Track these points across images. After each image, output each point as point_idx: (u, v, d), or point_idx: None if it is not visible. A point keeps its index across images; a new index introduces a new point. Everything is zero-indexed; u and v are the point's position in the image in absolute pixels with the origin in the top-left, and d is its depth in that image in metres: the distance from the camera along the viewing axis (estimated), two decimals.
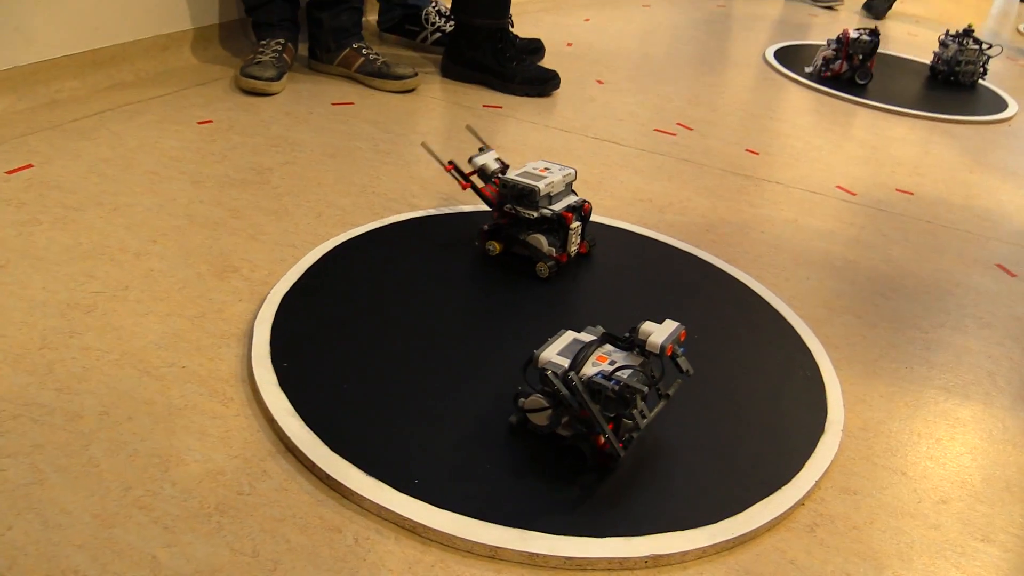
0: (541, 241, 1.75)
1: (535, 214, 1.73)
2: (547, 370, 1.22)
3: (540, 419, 1.26)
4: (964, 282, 2.06)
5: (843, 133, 3.06)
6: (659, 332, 1.26)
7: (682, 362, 1.28)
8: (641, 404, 1.24)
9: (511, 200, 1.75)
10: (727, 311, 1.76)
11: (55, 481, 1.17)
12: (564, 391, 1.20)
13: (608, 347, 1.27)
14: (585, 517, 1.19)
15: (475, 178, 1.91)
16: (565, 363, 1.24)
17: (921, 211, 2.46)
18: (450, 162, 1.87)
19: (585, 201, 1.80)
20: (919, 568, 1.22)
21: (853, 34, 3.58)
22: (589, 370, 1.22)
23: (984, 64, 3.80)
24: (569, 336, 1.31)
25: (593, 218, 2.09)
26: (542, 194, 1.72)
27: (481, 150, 1.89)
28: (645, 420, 1.26)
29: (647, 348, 1.25)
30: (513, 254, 1.81)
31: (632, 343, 1.26)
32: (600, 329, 1.32)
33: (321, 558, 1.10)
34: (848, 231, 2.26)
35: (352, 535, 1.14)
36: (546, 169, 1.80)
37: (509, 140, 2.56)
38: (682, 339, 1.29)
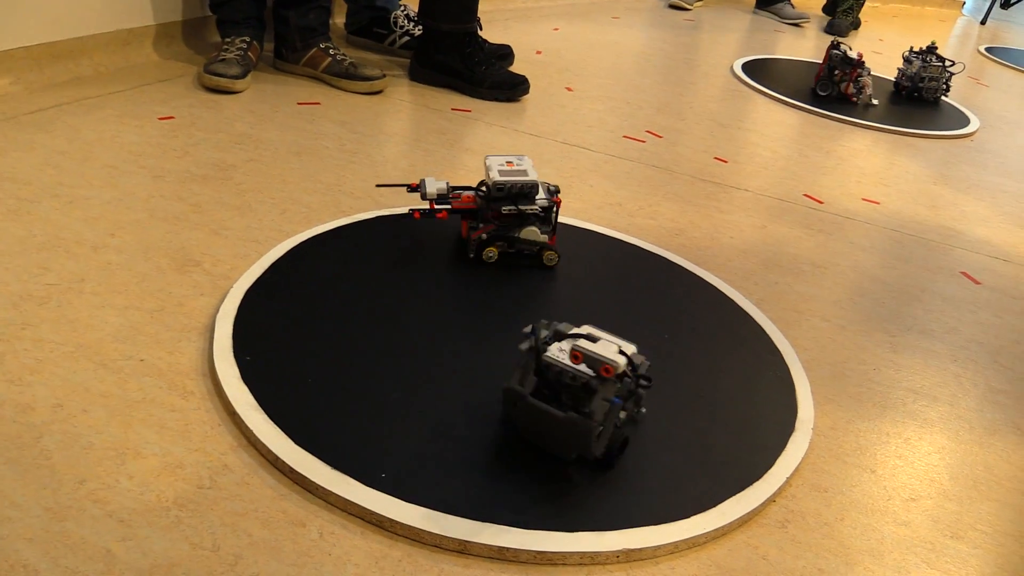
0: (536, 232, 1.76)
1: (537, 207, 1.74)
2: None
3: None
4: (930, 288, 2.09)
5: (810, 144, 3.11)
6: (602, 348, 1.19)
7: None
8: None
9: (510, 200, 1.74)
10: (698, 312, 1.77)
11: (4, 473, 1.14)
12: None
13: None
14: (556, 511, 1.18)
15: (441, 205, 1.83)
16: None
17: (887, 220, 2.50)
18: (413, 210, 1.74)
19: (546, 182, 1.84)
20: (890, 564, 1.22)
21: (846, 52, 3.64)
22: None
23: (947, 81, 3.90)
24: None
25: (562, 219, 2.10)
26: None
27: (416, 187, 1.77)
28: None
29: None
30: (507, 254, 1.81)
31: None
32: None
33: (284, 552, 1.08)
34: (816, 238, 2.29)
35: (317, 529, 1.12)
36: (512, 163, 1.80)
37: (478, 143, 2.56)
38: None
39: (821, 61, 3.76)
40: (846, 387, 1.63)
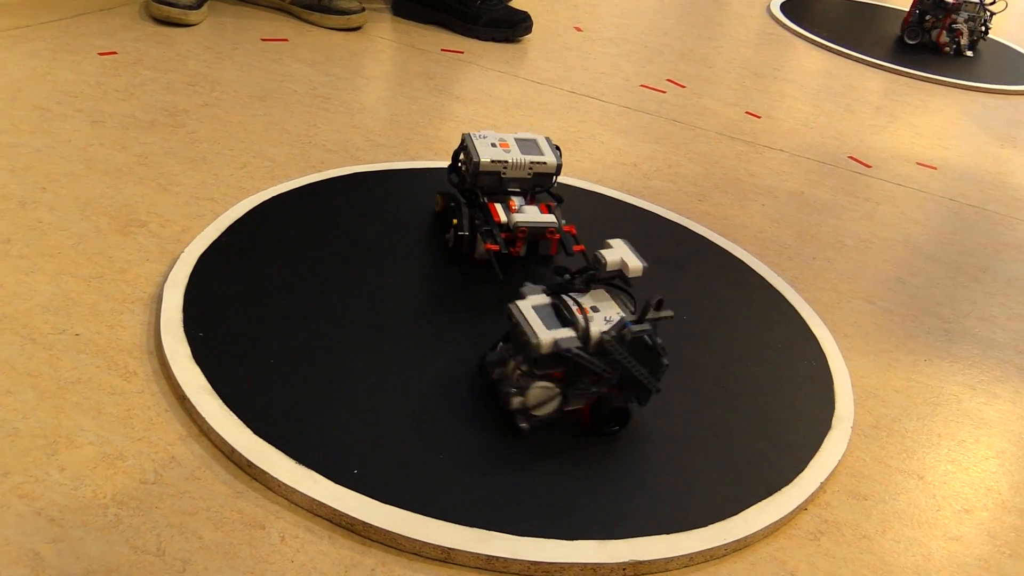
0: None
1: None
2: (569, 351, 1.23)
3: (550, 408, 1.29)
4: (992, 268, 2.10)
5: (857, 98, 3.10)
6: (616, 252, 1.34)
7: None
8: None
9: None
10: (722, 291, 1.77)
11: None
12: (597, 363, 1.25)
13: (573, 296, 1.32)
14: (554, 517, 1.19)
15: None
16: (567, 334, 1.26)
17: (945, 188, 2.50)
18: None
19: None
20: None
21: None
22: (599, 327, 1.26)
23: (985, 22, 3.83)
24: (525, 307, 1.30)
25: (567, 181, 2.09)
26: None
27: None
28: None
29: (608, 268, 1.32)
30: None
31: (588, 280, 1.32)
32: (539, 287, 1.34)
33: (240, 558, 1.09)
34: (861, 207, 2.28)
35: (278, 532, 1.13)
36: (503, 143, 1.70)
37: (471, 91, 2.55)
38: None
39: (910, 6, 3.73)
40: (892, 380, 1.64)
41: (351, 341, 1.44)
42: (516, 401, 1.28)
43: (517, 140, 1.71)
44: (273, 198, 1.80)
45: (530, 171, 1.68)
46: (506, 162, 1.65)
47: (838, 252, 2.04)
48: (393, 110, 2.34)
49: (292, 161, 1.99)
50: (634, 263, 1.32)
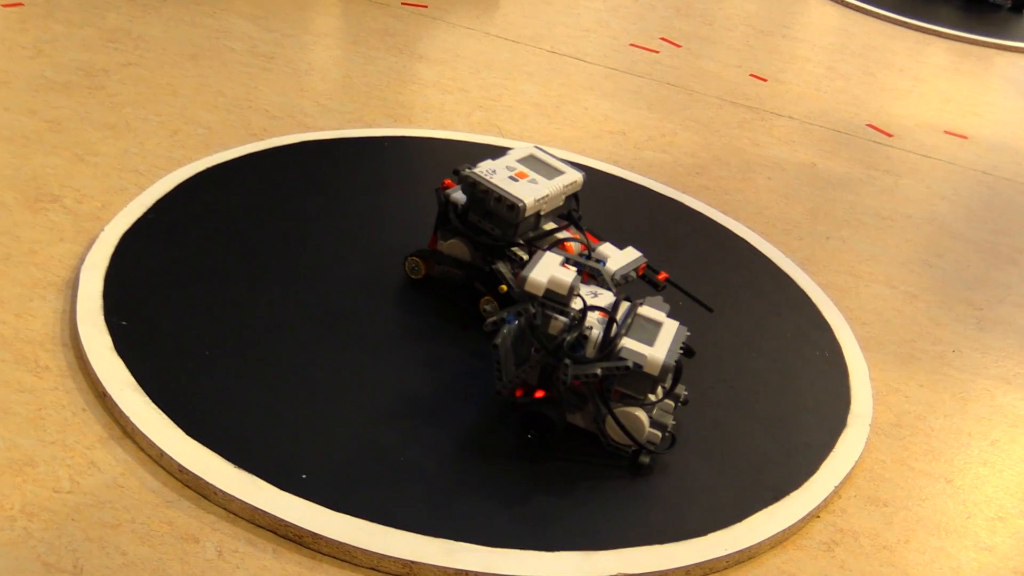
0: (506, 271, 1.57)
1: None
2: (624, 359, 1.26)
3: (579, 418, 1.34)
4: None
5: (878, 59, 3.13)
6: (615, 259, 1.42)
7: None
8: None
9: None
10: (723, 275, 1.78)
11: None
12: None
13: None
14: (533, 526, 1.19)
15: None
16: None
17: (976, 159, 2.53)
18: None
19: None
20: None
21: None
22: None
23: None
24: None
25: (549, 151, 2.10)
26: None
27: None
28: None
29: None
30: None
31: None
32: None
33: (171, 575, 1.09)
34: (882, 180, 2.31)
35: (214, 546, 1.13)
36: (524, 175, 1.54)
37: (437, 52, 2.55)
38: (640, 273, 1.48)
39: None
40: (916, 373, 1.66)
41: (297, 331, 1.44)
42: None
43: (523, 163, 1.57)
44: (207, 170, 1.80)
45: (563, 197, 1.58)
46: (546, 195, 1.51)
47: (855, 231, 2.06)
48: (346, 71, 2.34)
49: (229, 128, 1.98)
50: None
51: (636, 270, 1.52)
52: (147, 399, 1.27)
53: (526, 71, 2.54)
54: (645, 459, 1.31)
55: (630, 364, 1.25)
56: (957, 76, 3.11)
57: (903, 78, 3.00)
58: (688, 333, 1.33)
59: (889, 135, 2.57)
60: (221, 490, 1.17)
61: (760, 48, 3.05)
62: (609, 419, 1.29)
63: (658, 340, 1.29)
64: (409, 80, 2.35)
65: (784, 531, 1.27)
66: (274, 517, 1.15)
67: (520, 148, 1.59)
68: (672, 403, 1.35)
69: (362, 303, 1.53)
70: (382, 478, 1.22)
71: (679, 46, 2.93)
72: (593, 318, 1.31)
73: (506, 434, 1.33)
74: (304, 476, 1.20)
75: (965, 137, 2.65)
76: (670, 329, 1.32)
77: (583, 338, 1.28)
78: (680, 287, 1.59)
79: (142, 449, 1.23)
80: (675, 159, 2.21)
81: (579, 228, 1.57)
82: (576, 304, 1.31)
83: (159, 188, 1.71)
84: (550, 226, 1.55)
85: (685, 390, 1.37)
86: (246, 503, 1.16)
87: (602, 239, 1.57)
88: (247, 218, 1.68)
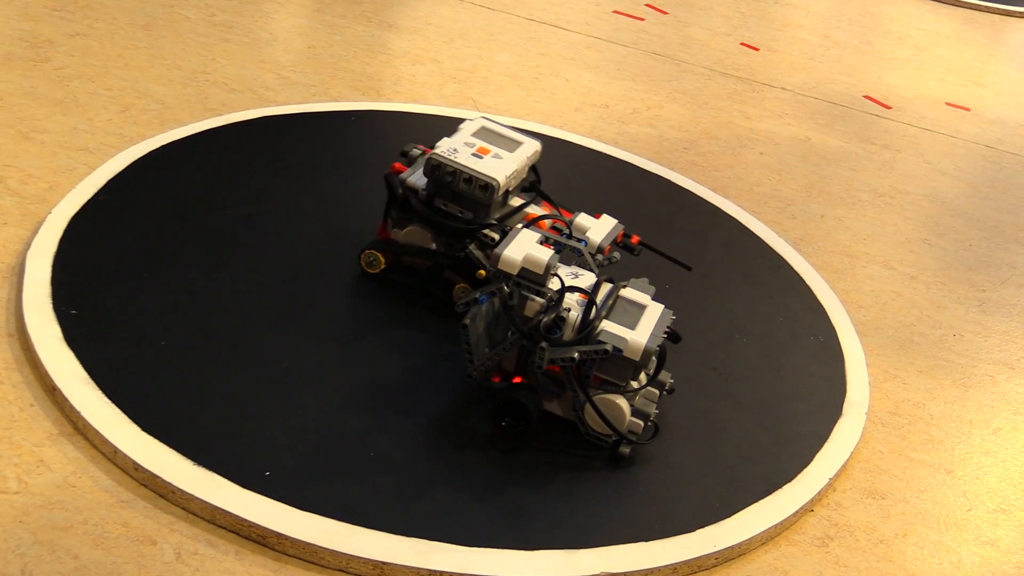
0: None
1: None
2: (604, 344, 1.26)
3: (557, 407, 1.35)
4: None
5: (876, 26, 3.14)
6: (596, 230, 1.44)
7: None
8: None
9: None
10: (712, 255, 1.79)
11: None
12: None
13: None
14: (511, 523, 1.20)
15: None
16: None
17: (980, 132, 2.54)
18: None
19: None
20: None
21: None
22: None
23: None
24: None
25: (528, 127, 2.10)
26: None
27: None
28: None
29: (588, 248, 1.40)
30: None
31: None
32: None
33: None
34: (879, 155, 2.32)
35: (172, 548, 1.13)
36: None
37: (407, 20, 2.55)
38: (619, 240, 1.50)
39: None
40: (915, 359, 1.67)
41: (259, 319, 1.44)
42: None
43: (480, 137, 1.55)
44: (162, 148, 1.79)
45: (526, 169, 1.57)
46: (515, 170, 1.51)
47: (851, 209, 2.07)
48: (310, 41, 2.33)
49: (185, 103, 1.98)
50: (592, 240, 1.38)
51: (616, 238, 1.53)
52: (99, 393, 1.26)
53: (503, 40, 2.53)
54: (625, 450, 1.32)
55: (609, 348, 1.26)
56: (960, 44, 3.13)
57: (902, 47, 3.02)
58: (673, 317, 1.34)
59: (887, 107, 2.58)
60: (179, 489, 1.16)
61: (751, 15, 3.05)
62: (588, 407, 1.30)
63: (641, 324, 1.29)
64: (378, 50, 2.35)
65: (776, 526, 1.28)
66: (236, 517, 1.15)
67: (470, 121, 1.58)
68: (656, 391, 1.35)
69: (328, 288, 1.53)
70: (350, 474, 1.22)
71: (666, 13, 2.94)
72: (573, 300, 1.31)
73: (481, 424, 1.34)
74: (267, 473, 1.20)
75: (968, 109, 2.67)
76: (654, 312, 1.33)
77: (560, 320, 1.29)
78: (653, 248, 1.59)
79: (95, 446, 1.22)
80: (661, 133, 2.22)
81: (549, 200, 1.58)
82: (554, 284, 1.31)
83: (110, 168, 1.71)
84: (517, 201, 1.55)
85: (671, 378, 1.38)
86: (206, 502, 1.16)
87: (573, 210, 1.57)
88: (205, 199, 1.67)
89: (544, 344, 1.27)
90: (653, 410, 1.33)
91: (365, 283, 1.55)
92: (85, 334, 1.35)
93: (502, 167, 1.47)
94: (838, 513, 1.34)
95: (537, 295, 1.30)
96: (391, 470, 1.24)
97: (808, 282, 1.77)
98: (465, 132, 1.54)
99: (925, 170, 2.29)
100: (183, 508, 1.17)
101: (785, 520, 1.29)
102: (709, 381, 1.49)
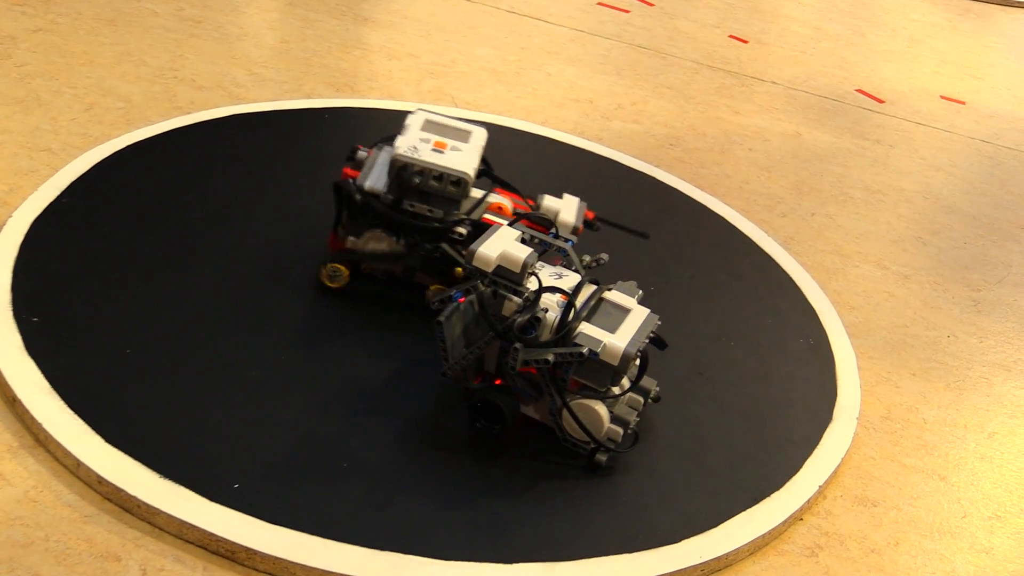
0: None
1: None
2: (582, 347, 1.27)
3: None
4: None
5: (869, 17, 3.15)
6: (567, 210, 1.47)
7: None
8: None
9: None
10: (699, 255, 1.79)
11: None
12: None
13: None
14: (490, 536, 1.20)
15: None
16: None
17: (975, 127, 2.55)
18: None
19: None
20: None
21: None
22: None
23: None
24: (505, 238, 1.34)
25: (508, 123, 2.10)
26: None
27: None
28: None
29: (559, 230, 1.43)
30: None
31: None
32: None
33: None
34: (872, 151, 2.32)
35: (138, 564, 1.13)
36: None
37: (383, 13, 2.55)
38: (590, 218, 1.54)
39: None
40: (908, 361, 1.67)
41: (228, 325, 1.44)
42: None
43: (431, 131, 1.54)
44: (128, 148, 1.78)
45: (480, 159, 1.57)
46: (477, 161, 1.50)
47: (843, 206, 2.08)
48: (283, 36, 2.32)
49: (152, 101, 1.97)
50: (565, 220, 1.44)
51: (585, 216, 1.56)
52: (62, 403, 1.26)
53: (482, 33, 2.54)
54: (602, 458, 1.32)
55: (585, 351, 1.26)
56: (955, 36, 3.14)
57: (896, 38, 3.03)
58: (659, 322, 1.34)
59: (880, 101, 2.59)
60: (145, 502, 1.16)
61: (740, 6, 3.06)
62: (565, 412, 1.30)
63: (622, 327, 1.30)
64: (352, 45, 2.34)
65: (764, 536, 1.28)
66: (204, 531, 1.14)
67: (412, 115, 1.56)
68: (640, 398, 1.36)
69: (299, 293, 1.52)
70: (323, 485, 1.22)
71: (652, 4, 2.94)
72: (553, 300, 1.31)
73: (458, 431, 1.34)
74: (236, 485, 1.20)
75: (963, 103, 2.68)
76: (638, 316, 1.33)
77: (535, 320, 1.29)
78: (608, 220, 1.59)
79: (57, 459, 1.22)
80: (647, 129, 2.22)
81: (504, 186, 1.59)
82: (532, 284, 1.31)
83: (74, 169, 1.70)
84: (478, 193, 1.55)
85: (657, 386, 1.38)
86: (173, 516, 1.15)
87: (535, 196, 1.57)
88: (172, 201, 1.67)
89: (518, 345, 1.27)
90: (634, 418, 1.33)
91: (338, 290, 1.55)
92: (47, 342, 1.35)
93: (466, 159, 1.47)
94: (828, 522, 1.35)
95: (514, 294, 1.30)
96: (365, 481, 1.24)
97: (798, 283, 1.77)
98: (414, 128, 1.53)
99: (919, 166, 2.30)
100: (149, 523, 1.17)
101: (773, 530, 1.29)
102: (695, 386, 1.50)
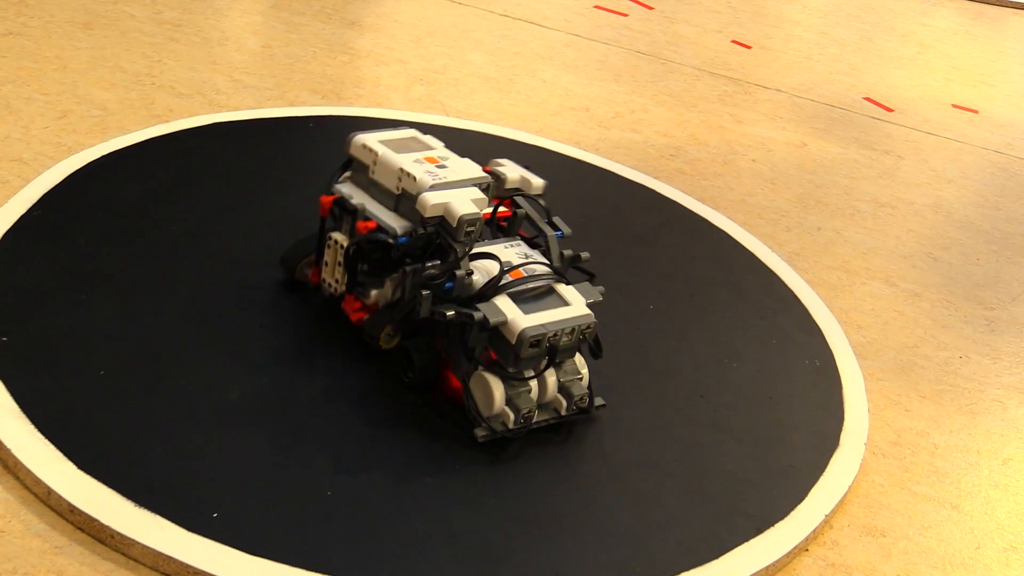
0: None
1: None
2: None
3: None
4: None
5: (878, 22, 3.16)
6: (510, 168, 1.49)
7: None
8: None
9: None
10: (700, 271, 1.79)
11: None
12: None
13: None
14: (476, 567, 1.19)
15: None
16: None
17: (989, 137, 2.56)
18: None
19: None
20: None
21: None
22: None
23: None
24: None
25: (501, 133, 2.10)
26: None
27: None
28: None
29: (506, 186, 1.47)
30: None
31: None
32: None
33: None
34: (881, 162, 2.33)
35: None
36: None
37: (370, 16, 2.55)
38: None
39: None
40: (918, 383, 1.67)
41: (207, 344, 1.43)
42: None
43: (411, 150, 1.49)
44: (103, 158, 1.78)
45: None
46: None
47: (850, 220, 2.08)
48: (266, 40, 2.32)
49: (129, 109, 1.97)
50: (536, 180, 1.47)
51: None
52: (32, 427, 1.25)
53: (474, 38, 2.54)
54: (480, 432, 1.35)
55: (480, 316, 1.30)
56: (967, 41, 3.15)
57: (906, 44, 3.03)
58: (593, 322, 1.35)
59: (889, 110, 2.60)
60: (119, 532, 1.16)
61: (743, 10, 3.07)
62: (471, 379, 1.35)
63: (542, 313, 1.33)
64: (338, 50, 2.35)
65: (768, 567, 1.28)
66: (181, 563, 1.14)
67: (369, 141, 1.50)
68: (562, 399, 1.38)
69: (281, 311, 1.52)
70: (306, 515, 1.22)
71: (651, 8, 2.95)
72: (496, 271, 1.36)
73: (446, 458, 1.33)
74: (216, 514, 1.19)
75: (975, 111, 2.69)
76: (570, 311, 1.35)
77: (452, 275, 1.34)
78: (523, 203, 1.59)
79: (26, 486, 1.21)
80: (646, 139, 2.22)
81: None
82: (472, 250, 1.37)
83: (46, 180, 1.70)
84: None
85: (599, 401, 1.40)
86: (148, 547, 1.15)
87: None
88: (149, 214, 1.67)
89: (425, 292, 1.33)
90: (531, 407, 1.35)
91: (322, 307, 1.55)
92: (16, 362, 1.34)
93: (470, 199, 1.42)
94: (835, 553, 1.34)
95: (449, 248, 1.36)
96: (350, 510, 1.24)
97: (803, 300, 1.77)
98: (404, 150, 1.48)
99: (929, 178, 2.31)
100: (123, 554, 1.16)
101: (778, 561, 1.29)
102: (695, 409, 1.50)
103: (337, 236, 1.47)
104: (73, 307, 1.45)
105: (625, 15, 2.87)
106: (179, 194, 1.73)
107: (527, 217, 1.49)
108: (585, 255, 1.47)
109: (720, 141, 2.28)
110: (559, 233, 1.47)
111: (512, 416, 1.34)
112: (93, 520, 1.17)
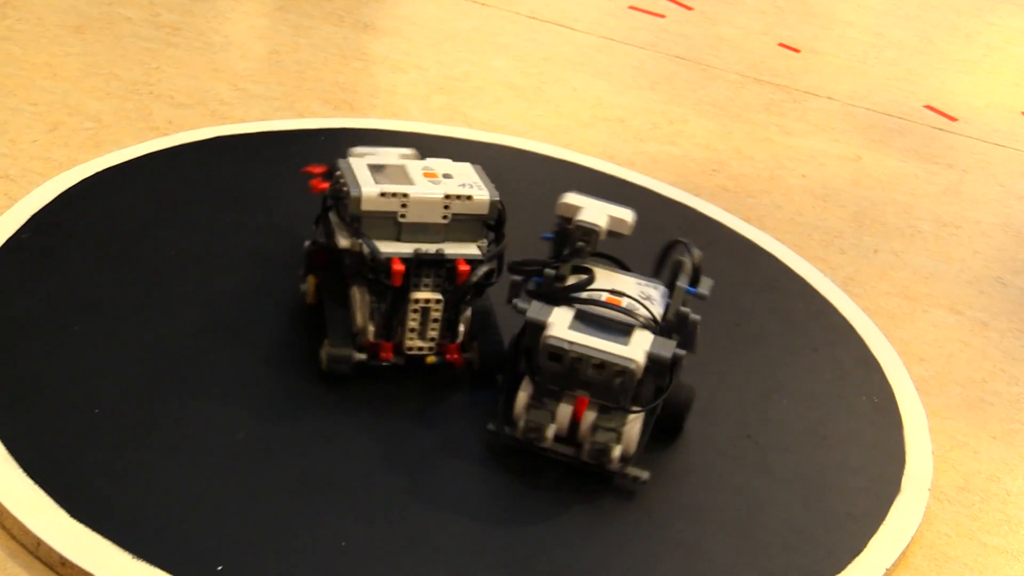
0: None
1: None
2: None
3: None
4: None
5: (939, 21, 3.15)
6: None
7: None
8: None
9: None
10: (746, 298, 1.79)
11: None
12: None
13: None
14: None
15: None
16: None
17: None
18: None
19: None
20: None
21: None
22: None
23: None
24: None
25: (528, 146, 2.10)
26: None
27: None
28: None
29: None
30: None
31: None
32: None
33: None
34: (943, 177, 2.32)
35: None
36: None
37: (386, 19, 2.55)
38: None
39: None
40: (987, 422, 1.66)
41: (210, 380, 1.43)
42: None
43: (410, 170, 1.50)
44: (97, 175, 1.79)
45: None
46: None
47: (910, 242, 2.07)
48: (273, 45, 2.33)
49: (125, 121, 1.98)
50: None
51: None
52: (20, 472, 1.26)
53: (500, 42, 2.54)
54: (492, 427, 1.41)
55: (523, 308, 1.36)
56: None
57: (971, 46, 3.02)
58: (633, 370, 1.33)
59: (953, 119, 2.59)
60: None
61: (791, 10, 3.06)
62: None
63: (588, 337, 1.33)
64: (352, 56, 2.35)
65: None
66: None
67: (400, 150, 1.58)
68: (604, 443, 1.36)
69: (293, 344, 1.52)
70: (318, 567, 1.22)
71: (691, 9, 2.95)
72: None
73: (466, 503, 1.33)
74: (220, 567, 1.19)
75: None
76: (615, 348, 1.33)
77: (542, 271, 1.40)
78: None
79: (13, 536, 1.22)
80: (687, 153, 2.22)
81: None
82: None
83: (35, 199, 1.71)
84: None
85: (641, 474, 1.38)
86: None
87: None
88: (147, 236, 1.67)
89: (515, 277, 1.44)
90: (543, 426, 1.35)
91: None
92: (2, 400, 1.34)
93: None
94: None
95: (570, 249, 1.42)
96: (367, 564, 1.23)
97: (859, 331, 1.76)
98: (407, 172, 1.48)
99: (998, 194, 2.29)
100: None
101: None
102: (742, 451, 1.49)
103: (421, 295, 1.44)
104: (64, 339, 1.45)
105: (662, 16, 2.87)
106: (179, 214, 1.73)
107: (678, 265, 1.47)
108: (695, 318, 1.44)
109: (767, 155, 2.27)
110: (692, 289, 1.45)
111: (522, 425, 1.35)
112: (87, 574, 1.17)
